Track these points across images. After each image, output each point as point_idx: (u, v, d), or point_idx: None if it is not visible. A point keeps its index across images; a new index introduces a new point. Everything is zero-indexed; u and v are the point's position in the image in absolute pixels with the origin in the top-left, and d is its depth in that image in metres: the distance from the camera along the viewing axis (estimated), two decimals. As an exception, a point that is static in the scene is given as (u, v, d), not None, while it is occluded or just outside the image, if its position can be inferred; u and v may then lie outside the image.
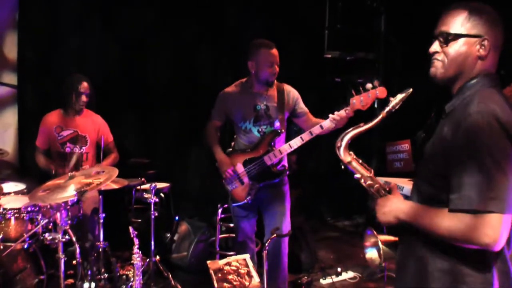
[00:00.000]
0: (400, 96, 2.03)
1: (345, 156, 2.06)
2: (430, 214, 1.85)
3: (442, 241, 1.81)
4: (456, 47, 1.92)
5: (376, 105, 6.95)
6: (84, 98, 4.69)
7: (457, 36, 1.91)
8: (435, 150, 1.91)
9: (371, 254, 2.24)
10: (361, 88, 3.62)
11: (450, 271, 1.86)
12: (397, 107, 2.03)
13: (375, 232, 2.18)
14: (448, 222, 1.76)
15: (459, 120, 1.80)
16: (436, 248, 1.87)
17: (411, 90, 2.02)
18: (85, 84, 4.68)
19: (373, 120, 2.03)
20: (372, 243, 2.24)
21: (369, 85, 3.57)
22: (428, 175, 1.94)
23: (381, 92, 3.57)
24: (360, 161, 2.14)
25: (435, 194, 1.89)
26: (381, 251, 2.12)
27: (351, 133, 2.07)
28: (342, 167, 2.09)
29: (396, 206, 1.98)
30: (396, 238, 2.13)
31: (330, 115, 3.75)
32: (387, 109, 2.02)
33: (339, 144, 2.08)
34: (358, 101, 3.63)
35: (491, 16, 1.90)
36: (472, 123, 1.75)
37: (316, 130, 3.83)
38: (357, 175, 2.03)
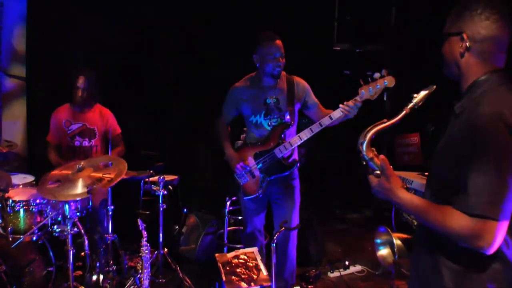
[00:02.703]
0: (423, 93, 1.99)
1: (368, 152, 2.00)
2: (427, 208, 1.86)
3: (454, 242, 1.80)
4: (446, 47, 1.98)
5: (385, 97, 6.96)
6: (80, 92, 4.68)
7: (444, 36, 1.96)
8: (445, 150, 1.91)
9: (383, 251, 2.22)
10: (369, 78, 3.60)
11: (460, 270, 1.86)
12: (420, 104, 1.99)
13: (389, 230, 2.16)
14: (443, 218, 1.78)
15: (468, 121, 1.79)
16: (449, 248, 1.86)
17: (434, 87, 1.99)
18: (80, 79, 4.67)
19: (396, 116, 1.99)
20: (384, 240, 2.22)
21: (377, 75, 3.55)
22: (439, 173, 1.95)
23: (390, 81, 3.55)
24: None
25: (444, 191, 1.88)
26: (395, 248, 2.10)
27: (374, 129, 2.01)
28: (364, 163, 2.03)
29: (395, 187, 1.96)
30: (409, 236, 2.11)
31: (340, 105, 3.73)
32: (410, 105, 1.99)
33: (362, 140, 2.01)
34: (367, 91, 3.61)
35: (474, 11, 1.88)
36: (479, 126, 1.74)
37: (326, 121, 3.80)
38: (378, 172, 1.99)
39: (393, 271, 4.49)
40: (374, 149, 2.02)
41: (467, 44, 1.89)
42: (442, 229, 1.80)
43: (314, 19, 6.76)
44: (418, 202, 1.90)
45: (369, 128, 2.02)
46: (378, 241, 2.25)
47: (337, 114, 3.76)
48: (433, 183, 2.01)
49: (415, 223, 2.16)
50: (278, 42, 3.92)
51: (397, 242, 2.11)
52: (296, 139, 3.89)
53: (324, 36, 6.90)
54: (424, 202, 1.89)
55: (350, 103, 3.68)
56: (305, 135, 3.86)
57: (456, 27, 1.92)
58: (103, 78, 4.88)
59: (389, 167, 1.97)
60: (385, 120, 2.00)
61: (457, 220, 1.74)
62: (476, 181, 1.71)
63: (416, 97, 1.99)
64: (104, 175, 3.58)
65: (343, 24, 6.91)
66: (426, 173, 4.32)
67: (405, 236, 2.13)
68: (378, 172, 1.99)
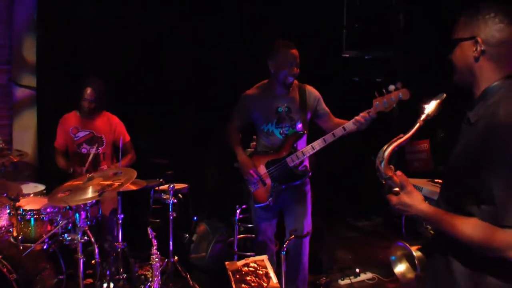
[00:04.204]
0: (434, 102, 1.96)
1: (386, 170, 1.97)
2: (453, 221, 1.84)
3: (471, 251, 1.79)
4: (457, 53, 1.95)
5: (395, 105, 6.94)
6: (87, 104, 4.74)
7: (455, 42, 1.94)
8: (462, 159, 1.89)
9: (401, 268, 2.20)
10: (384, 90, 3.59)
11: (475, 275, 1.85)
12: (432, 115, 1.96)
13: (406, 244, 2.14)
14: (472, 230, 1.76)
15: (486, 130, 1.78)
16: (466, 257, 1.85)
17: (444, 95, 1.96)
18: (88, 90, 4.73)
19: (410, 130, 1.97)
20: (400, 256, 2.19)
21: (391, 87, 3.54)
22: (455, 183, 1.93)
23: (404, 94, 3.54)
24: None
25: (461, 200, 1.86)
26: (416, 260, 2.08)
27: (391, 146, 1.98)
28: (383, 181, 2.01)
29: (417, 202, 1.94)
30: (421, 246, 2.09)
31: (355, 117, 3.72)
32: (423, 117, 1.95)
33: (380, 159, 1.98)
34: (382, 103, 3.60)
35: (487, 15, 1.87)
36: (498, 136, 1.73)
37: (339, 132, 3.80)
38: (396, 189, 1.97)
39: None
40: (392, 166, 2.00)
41: (482, 48, 1.87)
42: (469, 242, 1.78)
43: (323, 25, 6.76)
44: (441, 215, 1.89)
45: (386, 146, 1.98)
46: (393, 258, 2.22)
47: (349, 125, 3.76)
48: (448, 192, 1.99)
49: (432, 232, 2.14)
50: (295, 51, 3.92)
51: (417, 254, 2.08)
52: (308, 149, 3.89)
53: (332, 43, 6.90)
54: (448, 215, 1.87)
55: (364, 114, 3.68)
56: (318, 145, 3.86)
57: (469, 31, 1.90)
58: (112, 86, 4.90)
59: (409, 183, 1.95)
60: (401, 135, 1.97)
61: (487, 233, 1.72)
62: (502, 191, 1.69)
63: (427, 107, 1.96)
64: (113, 181, 3.59)
65: (351, 31, 6.91)
66: (436, 180, 4.32)
67: (420, 246, 2.11)
68: (397, 189, 1.97)
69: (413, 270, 2.13)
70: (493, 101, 1.84)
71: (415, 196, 1.94)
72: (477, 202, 1.78)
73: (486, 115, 1.83)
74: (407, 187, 1.95)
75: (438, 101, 1.97)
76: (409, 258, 2.14)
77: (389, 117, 6.56)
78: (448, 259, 1.93)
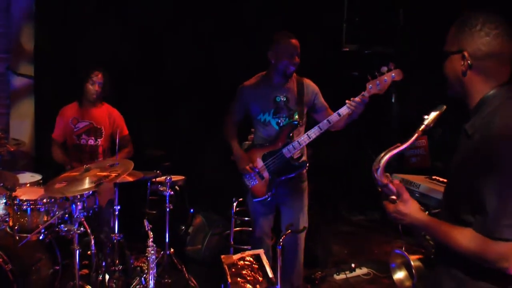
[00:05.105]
0: (433, 114, 1.95)
1: (382, 178, 1.96)
2: (448, 231, 1.84)
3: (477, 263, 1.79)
4: (447, 66, 1.95)
5: (393, 99, 6.93)
6: (96, 87, 4.72)
7: (444, 55, 1.93)
8: (459, 170, 1.89)
9: (400, 275, 2.20)
10: (376, 73, 3.60)
11: (470, 281, 1.85)
12: (431, 125, 1.95)
13: (405, 252, 2.14)
14: (467, 241, 1.77)
15: (482, 142, 1.78)
16: (472, 269, 1.84)
17: (444, 107, 1.94)
18: (99, 74, 4.71)
19: (408, 139, 1.96)
20: (399, 263, 2.19)
21: (384, 68, 3.57)
22: (453, 191, 1.94)
23: (397, 74, 3.56)
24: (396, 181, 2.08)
25: (460, 211, 1.86)
26: (413, 270, 2.08)
27: (388, 154, 1.96)
28: (379, 189, 2.01)
29: (414, 211, 1.94)
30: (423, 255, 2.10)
31: (347, 101, 3.71)
32: (422, 127, 1.94)
33: (377, 166, 1.96)
34: (375, 86, 3.61)
35: (474, 27, 1.85)
36: (493, 147, 1.73)
37: (334, 118, 3.77)
38: (393, 197, 1.97)
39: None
40: (388, 174, 1.99)
41: (468, 62, 1.85)
42: (464, 252, 1.78)
43: (323, 20, 6.73)
44: (437, 225, 1.89)
45: (383, 154, 1.97)
46: (393, 265, 2.22)
47: (344, 110, 3.74)
48: (448, 200, 1.99)
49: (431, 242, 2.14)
50: (296, 41, 3.91)
51: (415, 263, 2.09)
52: (305, 138, 3.87)
53: (333, 37, 6.87)
54: (444, 225, 1.88)
55: (357, 99, 3.67)
56: (314, 133, 3.83)
57: (457, 45, 1.88)
58: (111, 77, 4.89)
59: (405, 192, 1.95)
60: (398, 144, 1.96)
61: (481, 244, 1.72)
62: (494, 202, 1.69)
63: (426, 118, 1.95)
64: (110, 173, 3.59)
65: (352, 26, 6.87)
66: (434, 177, 4.32)
67: (421, 256, 2.11)
68: (393, 197, 1.97)
69: (411, 279, 2.14)
70: (488, 112, 1.83)
71: (411, 204, 1.94)
72: (473, 212, 1.78)
73: (482, 126, 1.82)
74: (403, 195, 1.94)
75: (437, 112, 1.95)
76: (408, 266, 2.14)
77: (389, 112, 6.60)
78: (449, 267, 1.93)
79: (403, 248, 2.31)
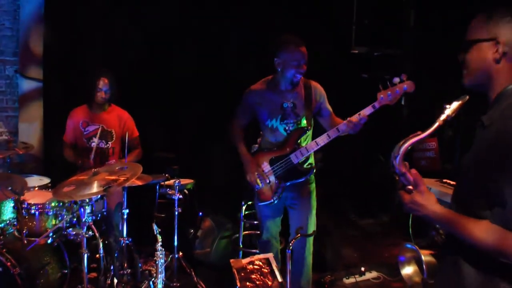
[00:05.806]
0: (456, 104, 1.92)
1: (401, 166, 1.93)
2: (465, 224, 1.81)
3: (482, 254, 1.77)
4: (474, 54, 1.91)
5: (402, 102, 6.88)
6: (102, 94, 4.73)
7: (471, 43, 1.91)
8: (474, 163, 1.86)
9: (409, 270, 2.17)
10: (388, 83, 3.56)
11: (485, 278, 1.82)
12: (453, 115, 1.92)
13: (416, 247, 2.10)
14: (484, 234, 1.73)
15: (499, 134, 1.75)
16: (478, 261, 1.82)
17: (467, 97, 1.93)
18: (104, 80, 4.71)
19: (429, 128, 1.92)
20: (409, 258, 2.16)
21: (396, 79, 3.53)
22: (467, 186, 1.90)
23: (409, 86, 3.52)
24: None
25: (474, 205, 1.83)
26: (424, 265, 2.04)
27: (408, 142, 1.94)
28: (396, 178, 1.97)
29: (430, 203, 1.91)
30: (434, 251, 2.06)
31: (346, 120, 3.69)
32: (443, 117, 1.91)
33: (396, 154, 1.93)
34: (386, 96, 3.57)
35: (508, 17, 1.85)
36: (511, 138, 1.71)
37: (343, 126, 3.74)
38: (410, 187, 1.93)
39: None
40: (407, 163, 1.96)
41: (503, 49, 1.84)
42: (481, 245, 1.75)
43: (332, 21, 6.71)
44: (454, 217, 1.85)
45: (402, 142, 1.95)
46: (402, 258, 2.18)
47: (343, 127, 3.72)
48: (461, 195, 1.96)
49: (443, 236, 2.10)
50: (304, 49, 3.82)
51: (426, 258, 2.05)
52: (312, 145, 3.85)
53: (342, 39, 6.84)
54: (461, 217, 1.84)
55: (354, 119, 3.63)
56: (322, 140, 3.81)
57: (488, 33, 1.86)
58: (119, 79, 4.89)
59: (422, 183, 1.92)
60: (419, 132, 1.93)
61: (498, 236, 1.70)
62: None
63: (448, 108, 1.92)
64: (119, 176, 3.58)
65: (361, 27, 6.84)
66: (445, 180, 4.28)
67: (432, 252, 2.07)
68: (410, 187, 1.93)
69: (421, 274, 2.10)
70: (507, 104, 1.81)
71: (428, 196, 1.91)
72: (489, 205, 1.75)
73: (500, 117, 1.80)
74: (420, 186, 1.91)
75: (460, 102, 1.92)
76: (418, 262, 2.10)
77: (399, 115, 6.56)
78: (458, 264, 1.89)
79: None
